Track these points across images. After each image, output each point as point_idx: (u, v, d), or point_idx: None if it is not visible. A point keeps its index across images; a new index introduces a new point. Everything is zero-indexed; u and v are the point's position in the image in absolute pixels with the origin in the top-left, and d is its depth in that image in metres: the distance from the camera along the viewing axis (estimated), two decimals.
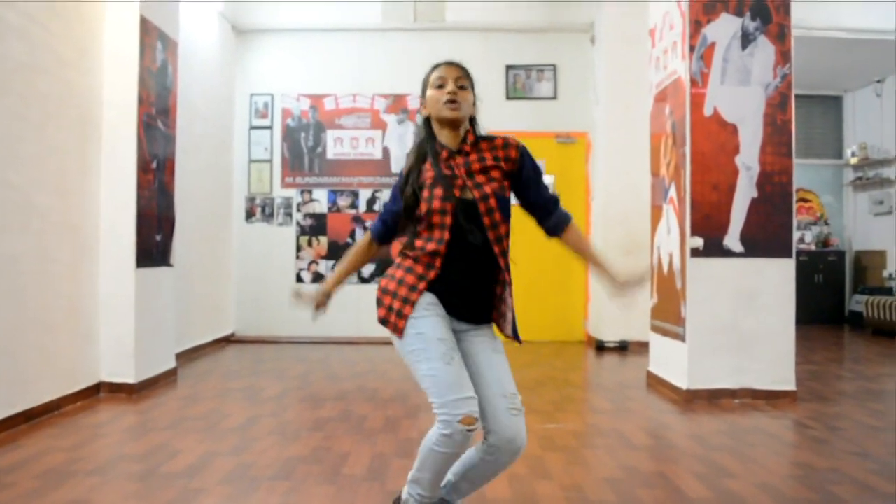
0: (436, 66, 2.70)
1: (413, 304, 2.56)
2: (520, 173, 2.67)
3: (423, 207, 2.57)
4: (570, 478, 3.65)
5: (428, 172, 2.63)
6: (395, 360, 7.42)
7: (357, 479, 3.61)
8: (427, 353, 2.50)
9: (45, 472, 3.66)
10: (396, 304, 2.59)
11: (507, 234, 2.63)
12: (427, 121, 2.71)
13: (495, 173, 2.62)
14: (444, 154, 2.65)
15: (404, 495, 2.73)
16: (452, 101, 2.60)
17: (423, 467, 2.56)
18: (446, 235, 2.56)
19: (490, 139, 2.70)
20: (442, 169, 2.60)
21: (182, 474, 3.66)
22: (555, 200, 2.74)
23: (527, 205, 2.74)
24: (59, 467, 3.74)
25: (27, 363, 4.71)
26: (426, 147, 2.68)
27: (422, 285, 2.58)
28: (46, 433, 4.45)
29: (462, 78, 2.65)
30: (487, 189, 2.58)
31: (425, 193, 2.58)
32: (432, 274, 2.58)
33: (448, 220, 2.55)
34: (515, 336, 2.66)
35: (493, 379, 2.58)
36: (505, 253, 2.60)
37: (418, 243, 2.63)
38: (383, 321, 2.64)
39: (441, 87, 2.63)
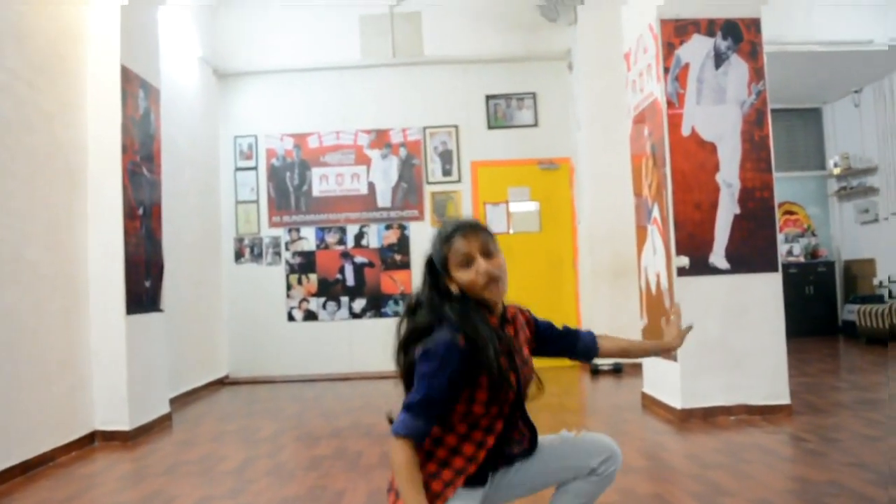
0: (450, 234, 2.24)
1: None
2: (537, 331, 2.51)
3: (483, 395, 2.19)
4: None
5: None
6: (390, 395, 7.41)
7: None
8: None
9: None
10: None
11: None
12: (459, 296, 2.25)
13: (526, 350, 2.39)
14: (494, 321, 2.27)
15: None
16: (491, 281, 2.21)
17: None
18: (490, 440, 2.23)
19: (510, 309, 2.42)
20: (511, 348, 2.28)
21: None
22: (566, 326, 2.61)
23: (553, 348, 2.55)
24: None
25: (21, 416, 4.70)
26: (482, 323, 2.21)
27: (459, 481, 2.19)
28: (42, 485, 4.43)
29: (487, 244, 2.23)
30: (527, 371, 2.34)
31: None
32: (473, 468, 2.21)
33: (506, 410, 2.25)
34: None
35: (560, 452, 2.42)
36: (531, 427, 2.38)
37: (453, 440, 2.22)
38: None
39: (468, 263, 2.20)
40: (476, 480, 2.22)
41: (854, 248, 11.41)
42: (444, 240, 2.24)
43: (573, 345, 2.59)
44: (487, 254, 2.21)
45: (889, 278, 10.31)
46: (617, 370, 8.32)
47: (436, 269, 2.27)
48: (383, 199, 9.38)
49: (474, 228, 2.24)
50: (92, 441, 5.56)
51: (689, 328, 2.71)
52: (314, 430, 5.96)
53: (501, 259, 2.25)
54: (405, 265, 9.34)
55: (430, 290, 2.26)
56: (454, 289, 2.23)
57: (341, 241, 9.36)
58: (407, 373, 2.22)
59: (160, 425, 6.16)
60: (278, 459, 4.99)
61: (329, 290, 9.35)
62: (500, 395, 2.18)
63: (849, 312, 10.69)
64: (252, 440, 5.60)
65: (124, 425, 5.63)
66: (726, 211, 5.53)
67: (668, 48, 5.54)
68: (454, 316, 2.18)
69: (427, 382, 2.11)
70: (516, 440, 2.31)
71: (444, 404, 2.14)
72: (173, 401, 6.81)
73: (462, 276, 2.20)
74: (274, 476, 4.51)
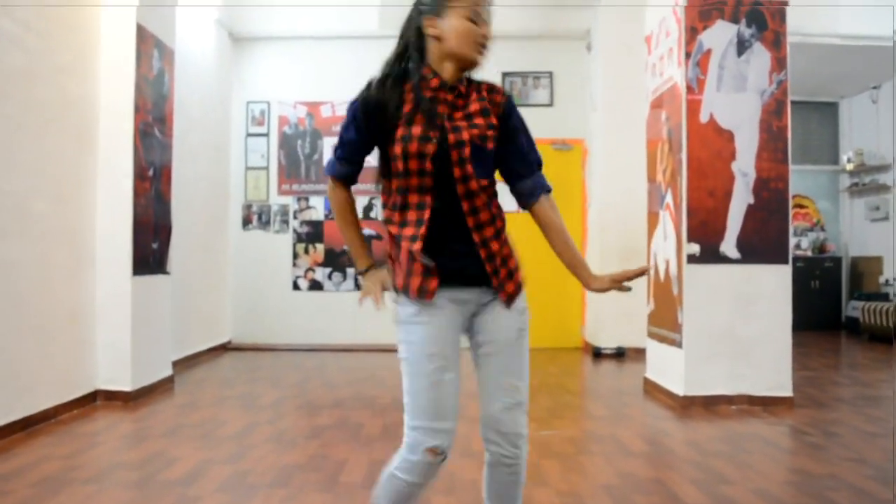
0: None
1: (412, 286, 2.22)
2: (503, 122, 2.28)
3: (398, 150, 2.18)
4: (567, 484, 3.65)
5: (406, 105, 2.20)
6: (393, 368, 7.41)
7: (355, 486, 3.61)
8: (413, 368, 2.22)
9: (41, 480, 3.66)
10: (400, 280, 2.25)
11: (482, 190, 2.22)
12: (422, 38, 2.23)
13: (479, 120, 2.23)
14: (435, 82, 2.22)
15: None
16: (484, 46, 2.20)
17: (381, 495, 2.27)
18: (428, 199, 2.20)
19: (476, 82, 2.31)
20: (426, 99, 2.20)
21: (179, 482, 3.65)
22: (538, 162, 2.36)
23: (502, 160, 2.31)
24: (55, 475, 3.74)
25: (24, 371, 4.70)
26: (412, 67, 2.23)
27: (416, 266, 2.21)
28: (43, 441, 4.44)
29: (490, 13, 2.24)
30: (465, 135, 2.19)
31: (399, 132, 2.18)
32: (417, 246, 2.20)
33: (428, 167, 2.17)
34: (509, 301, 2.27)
35: (498, 376, 2.27)
36: (476, 210, 2.21)
37: (395, 202, 2.27)
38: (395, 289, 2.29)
39: (474, 20, 2.17)
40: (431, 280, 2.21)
41: (862, 244, 11.37)
42: None
43: (521, 177, 2.33)
44: (488, 21, 2.23)
45: (895, 277, 10.29)
46: (620, 354, 8.32)
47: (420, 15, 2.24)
48: None
49: None
50: (94, 400, 5.58)
51: (624, 288, 2.33)
52: (316, 399, 5.97)
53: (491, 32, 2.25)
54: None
55: (405, 41, 2.27)
56: (432, 32, 2.20)
57: None
58: None
59: (162, 387, 6.17)
60: (279, 427, 5.00)
61: (335, 260, 9.34)
62: (410, 149, 2.16)
63: (853, 309, 10.67)
64: (253, 406, 5.61)
65: (126, 385, 5.64)
66: (740, 200, 5.50)
67: (691, 33, 5.49)
68: (386, 70, 2.27)
69: (342, 127, 2.31)
70: (454, 235, 2.22)
71: (354, 145, 2.30)
72: (176, 364, 6.82)
73: (460, 24, 2.17)
74: (275, 443, 4.52)
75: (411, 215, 2.22)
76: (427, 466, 2.18)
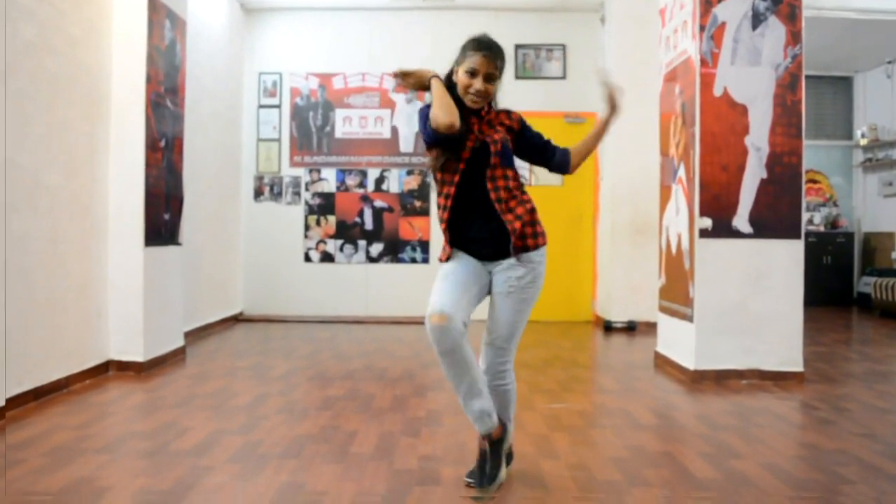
0: (476, 47, 3.03)
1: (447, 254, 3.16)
2: (521, 133, 3.22)
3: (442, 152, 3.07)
4: (577, 457, 3.66)
5: None
6: (404, 340, 7.49)
7: (365, 457, 3.63)
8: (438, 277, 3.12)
9: (53, 449, 3.69)
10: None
11: (509, 178, 3.10)
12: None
13: (500, 128, 3.14)
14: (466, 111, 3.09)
15: None
16: (477, 96, 3.02)
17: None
18: (452, 190, 3.05)
19: (496, 111, 3.20)
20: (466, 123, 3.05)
21: (190, 452, 3.68)
22: (551, 144, 3.32)
23: (532, 156, 3.30)
24: (67, 445, 3.77)
25: (36, 341, 4.72)
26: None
27: (446, 239, 3.16)
28: (55, 411, 4.47)
29: (493, 72, 3.02)
30: (497, 136, 3.08)
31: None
32: (443, 226, 3.13)
33: (459, 168, 3.04)
34: (517, 251, 3.10)
35: (490, 318, 3.14)
36: (499, 194, 3.07)
37: (441, 189, 3.13)
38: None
39: (472, 75, 3.00)
40: (454, 236, 3.16)
41: (875, 220, 11.32)
42: (473, 47, 3.03)
43: (548, 159, 3.31)
44: (489, 78, 3.03)
45: None
46: (631, 328, 8.32)
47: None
48: (406, 144, 9.33)
49: (495, 56, 3.03)
50: (106, 370, 5.61)
51: (615, 91, 3.39)
52: (327, 370, 5.99)
53: (494, 87, 3.08)
54: (425, 212, 9.31)
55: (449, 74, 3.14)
56: (455, 78, 3.08)
57: (362, 185, 9.33)
58: None
59: (174, 358, 6.21)
60: (291, 398, 5.02)
61: (347, 232, 9.35)
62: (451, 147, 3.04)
63: (865, 285, 10.65)
64: (265, 377, 5.64)
65: (139, 356, 5.67)
66: (753, 175, 5.47)
67: (706, 5, 5.43)
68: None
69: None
70: (471, 218, 3.11)
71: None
72: (187, 335, 6.86)
73: (463, 78, 3.04)
74: (286, 413, 4.55)
75: (441, 194, 3.14)
76: (433, 328, 2.88)
